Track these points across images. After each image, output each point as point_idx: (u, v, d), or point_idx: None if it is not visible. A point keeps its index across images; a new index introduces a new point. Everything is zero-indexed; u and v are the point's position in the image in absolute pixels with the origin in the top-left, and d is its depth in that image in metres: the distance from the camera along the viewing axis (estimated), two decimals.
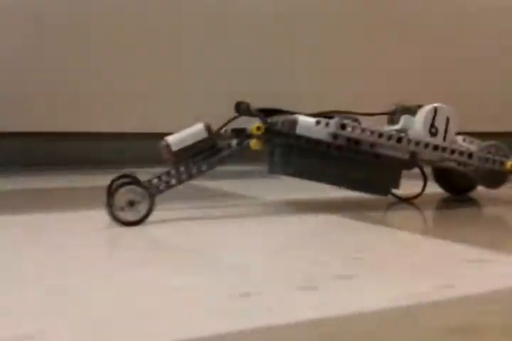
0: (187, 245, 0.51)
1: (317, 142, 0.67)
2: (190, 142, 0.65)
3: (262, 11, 1.77)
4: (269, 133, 0.65)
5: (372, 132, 0.67)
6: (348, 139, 0.67)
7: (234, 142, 0.67)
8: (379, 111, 0.76)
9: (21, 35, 1.54)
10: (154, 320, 0.29)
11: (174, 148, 0.65)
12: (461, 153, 0.71)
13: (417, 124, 0.72)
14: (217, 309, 0.31)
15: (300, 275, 0.38)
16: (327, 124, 0.66)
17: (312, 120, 0.66)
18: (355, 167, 0.68)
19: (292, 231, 0.59)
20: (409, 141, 0.68)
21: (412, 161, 0.70)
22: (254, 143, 0.65)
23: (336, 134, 0.66)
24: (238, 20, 1.75)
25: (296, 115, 0.67)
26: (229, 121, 0.71)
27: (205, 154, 0.65)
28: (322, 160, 0.68)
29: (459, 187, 0.85)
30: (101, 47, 1.62)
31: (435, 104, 0.73)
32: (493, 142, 0.76)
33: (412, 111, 0.73)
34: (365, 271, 0.40)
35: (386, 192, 0.71)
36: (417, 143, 0.68)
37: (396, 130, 0.72)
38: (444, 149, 0.69)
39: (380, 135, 0.67)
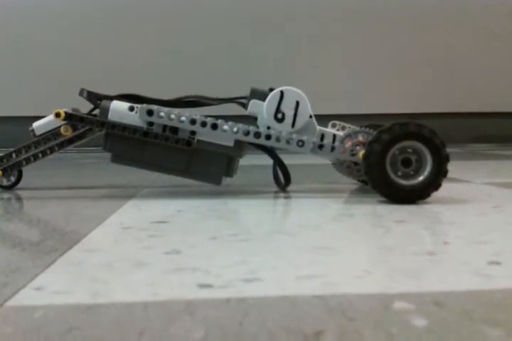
0: None
1: (134, 130, 0.63)
2: (51, 127, 0.67)
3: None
4: (74, 120, 0.64)
5: (184, 119, 0.61)
6: (165, 126, 0.62)
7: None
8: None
9: None
10: None
11: (37, 133, 0.68)
12: (297, 141, 0.61)
13: (263, 109, 0.65)
14: None
15: None
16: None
17: (125, 106, 0.63)
18: (178, 155, 0.64)
19: None
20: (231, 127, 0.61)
21: (240, 148, 0.63)
22: (63, 129, 0.64)
23: (151, 121, 0.62)
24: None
25: (116, 101, 0.64)
26: (93, 109, 0.70)
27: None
28: (143, 148, 0.64)
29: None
30: None
31: (282, 88, 0.64)
32: (356, 129, 0.65)
33: (262, 95, 0.66)
34: None
35: (217, 180, 0.65)
36: (238, 131, 0.61)
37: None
38: (267, 137, 0.61)
39: (193, 122, 0.61)
